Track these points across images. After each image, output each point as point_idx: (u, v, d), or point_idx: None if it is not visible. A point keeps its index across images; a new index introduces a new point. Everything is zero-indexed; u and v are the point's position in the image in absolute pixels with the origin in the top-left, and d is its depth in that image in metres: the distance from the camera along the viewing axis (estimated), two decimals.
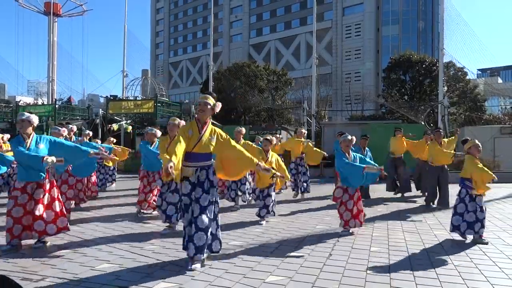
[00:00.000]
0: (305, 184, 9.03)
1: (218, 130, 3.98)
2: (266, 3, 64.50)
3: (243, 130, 8.50)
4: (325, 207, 7.70)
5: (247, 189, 7.52)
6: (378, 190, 10.06)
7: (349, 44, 54.38)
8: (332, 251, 4.47)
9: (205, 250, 3.80)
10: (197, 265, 3.72)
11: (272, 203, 6.18)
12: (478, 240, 4.98)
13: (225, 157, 4.04)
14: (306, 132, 10.95)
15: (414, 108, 22.51)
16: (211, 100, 3.90)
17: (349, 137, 5.54)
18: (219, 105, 3.93)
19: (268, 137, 6.62)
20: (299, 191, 9.06)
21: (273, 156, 6.39)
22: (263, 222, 6.04)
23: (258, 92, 28.76)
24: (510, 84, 56.38)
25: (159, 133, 6.87)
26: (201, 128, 3.88)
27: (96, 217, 6.55)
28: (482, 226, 4.96)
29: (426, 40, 51.07)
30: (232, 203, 7.56)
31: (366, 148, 8.26)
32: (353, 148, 5.89)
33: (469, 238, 5.09)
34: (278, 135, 13.51)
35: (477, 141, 5.27)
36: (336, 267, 3.87)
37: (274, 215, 6.30)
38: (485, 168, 5.11)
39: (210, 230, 3.79)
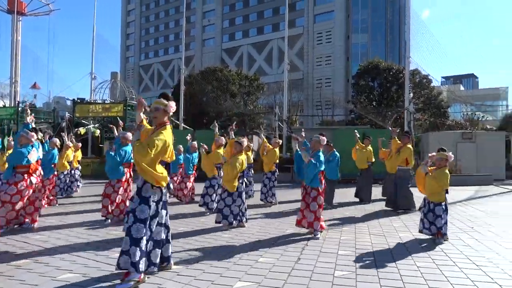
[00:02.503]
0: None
1: (157, 134, 3.64)
2: (239, 8, 64.79)
3: (223, 139, 8.18)
4: (296, 212, 7.75)
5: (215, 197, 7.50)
6: (346, 194, 10.27)
7: (320, 51, 55.39)
8: (300, 255, 4.51)
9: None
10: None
11: (238, 210, 6.15)
12: (438, 240, 5.24)
13: None
14: (280, 141, 10.93)
15: (381, 113, 23.18)
16: (161, 103, 3.74)
17: (319, 138, 5.71)
18: (171, 105, 3.76)
19: (239, 140, 6.49)
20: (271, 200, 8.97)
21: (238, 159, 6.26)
22: (236, 224, 6.11)
23: (230, 97, 28.79)
24: (471, 92, 59.17)
25: (130, 136, 6.73)
26: (155, 129, 3.76)
27: (59, 225, 6.31)
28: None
29: (393, 48, 52.77)
30: (203, 209, 7.49)
31: (333, 152, 8.35)
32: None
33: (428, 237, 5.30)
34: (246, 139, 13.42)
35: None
36: (304, 271, 3.91)
37: (241, 221, 6.24)
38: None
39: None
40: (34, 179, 5.71)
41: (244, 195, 6.30)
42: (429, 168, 5.38)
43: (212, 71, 31.03)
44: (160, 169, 3.71)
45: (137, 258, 3.41)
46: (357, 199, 9.52)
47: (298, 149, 5.92)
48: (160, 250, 3.74)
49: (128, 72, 76.34)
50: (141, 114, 3.68)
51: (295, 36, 53.60)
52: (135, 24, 77.37)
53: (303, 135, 7.73)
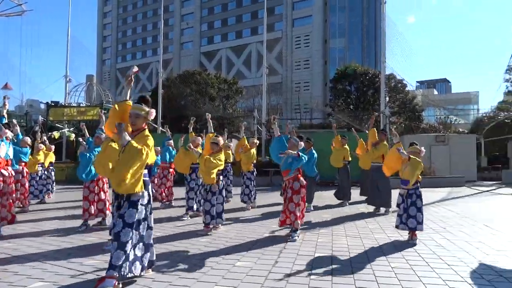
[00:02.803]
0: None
1: (146, 139, 3.63)
2: (218, 12, 64.77)
3: (200, 139, 8.22)
4: (274, 215, 7.79)
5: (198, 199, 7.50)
6: (324, 197, 10.39)
7: (298, 55, 56.00)
8: (278, 258, 4.52)
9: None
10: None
11: (222, 209, 6.16)
12: (411, 241, 5.39)
13: None
14: (258, 142, 10.97)
15: (358, 117, 23.59)
16: (143, 110, 3.71)
17: (299, 142, 5.76)
18: (152, 113, 3.75)
19: (215, 140, 6.45)
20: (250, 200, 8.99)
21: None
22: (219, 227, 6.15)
23: (209, 100, 28.68)
24: (444, 96, 61.01)
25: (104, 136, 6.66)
26: (131, 135, 3.69)
27: (31, 232, 6.11)
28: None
29: (370, 53, 53.93)
30: (179, 214, 7.42)
31: (311, 151, 8.43)
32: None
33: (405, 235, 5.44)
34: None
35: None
36: (281, 274, 3.92)
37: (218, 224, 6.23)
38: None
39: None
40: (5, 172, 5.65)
41: (224, 193, 6.34)
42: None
43: (191, 75, 30.86)
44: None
45: (120, 262, 3.40)
46: (335, 202, 9.64)
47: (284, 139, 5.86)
48: (149, 254, 3.76)
49: (105, 75, 75.00)
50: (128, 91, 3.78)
51: (274, 40, 54.01)
52: (111, 26, 76.17)
53: (291, 127, 7.86)
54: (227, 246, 5.15)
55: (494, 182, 17.36)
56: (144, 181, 3.68)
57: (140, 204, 3.62)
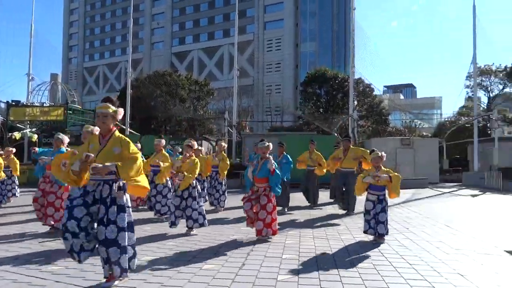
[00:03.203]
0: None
1: (126, 142, 3.63)
2: (190, 12, 64.24)
3: (163, 141, 8.30)
4: (244, 217, 7.77)
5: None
6: (294, 199, 10.48)
7: (270, 58, 56.42)
8: (245, 261, 4.52)
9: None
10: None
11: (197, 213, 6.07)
12: (377, 243, 5.52)
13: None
14: (226, 145, 10.96)
15: (328, 120, 24.03)
16: (111, 108, 3.60)
17: (266, 144, 5.73)
18: (121, 112, 3.66)
19: (189, 143, 6.39)
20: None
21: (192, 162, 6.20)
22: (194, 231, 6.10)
23: (179, 102, 28.35)
24: (410, 100, 63.19)
25: (66, 139, 6.44)
26: (102, 139, 3.64)
27: None
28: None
29: (339, 58, 55.08)
30: (146, 217, 7.28)
31: (285, 155, 8.49)
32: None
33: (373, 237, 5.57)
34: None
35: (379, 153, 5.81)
36: (248, 276, 3.92)
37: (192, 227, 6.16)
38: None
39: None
40: None
41: (201, 197, 6.32)
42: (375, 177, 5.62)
43: (161, 75, 30.40)
44: None
45: (126, 264, 3.53)
46: (304, 203, 9.77)
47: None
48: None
49: (71, 74, 72.56)
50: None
51: (246, 42, 54.17)
52: (78, 24, 73.86)
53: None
54: (194, 250, 5.09)
55: (455, 184, 18.14)
56: (124, 184, 3.63)
57: (127, 206, 3.63)
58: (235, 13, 22.80)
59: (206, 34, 62.56)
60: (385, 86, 65.94)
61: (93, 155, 3.46)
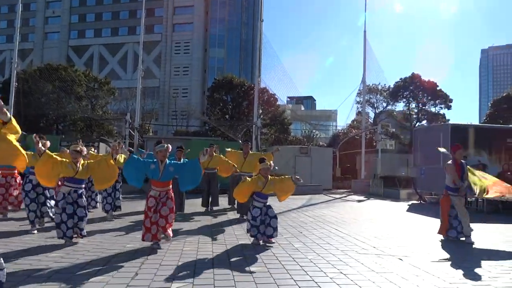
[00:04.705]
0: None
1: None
2: (91, 4, 59.90)
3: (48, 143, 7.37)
4: (140, 224, 7.43)
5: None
6: (195, 204, 10.38)
7: (178, 60, 55.46)
8: (139, 270, 4.31)
9: None
10: None
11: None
12: (269, 245, 5.80)
13: None
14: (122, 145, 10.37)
15: (233, 127, 24.45)
16: None
17: (166, 145, 5.57)
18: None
19: (77, 148, 5.89)
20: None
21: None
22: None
23: (75, 99, 26.10)
24: (310, 112, 67.72)
25: None
26: None
27: None
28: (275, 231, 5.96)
29: (246, 66, 56.65)
30: (23, 228, 6.51)
31: (184, 159, 8.35)
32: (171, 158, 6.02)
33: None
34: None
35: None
36: (139, 286, 3.74)
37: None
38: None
39: None
40: None
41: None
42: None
43: (55, 69, 27.62)
44: None
45: None
46: (203, 209, 9.75)
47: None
48: None
49: None
50: None
51: (153, 42, 52.45)
52: None
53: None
54: (83, 262, 4.68)
55: (345, 190, 19.88)
56: None
57: None
58: (141, 11, 21.85)
59: (109, 29, 58.94)
60: (288, 97, 69.61)
61: None
